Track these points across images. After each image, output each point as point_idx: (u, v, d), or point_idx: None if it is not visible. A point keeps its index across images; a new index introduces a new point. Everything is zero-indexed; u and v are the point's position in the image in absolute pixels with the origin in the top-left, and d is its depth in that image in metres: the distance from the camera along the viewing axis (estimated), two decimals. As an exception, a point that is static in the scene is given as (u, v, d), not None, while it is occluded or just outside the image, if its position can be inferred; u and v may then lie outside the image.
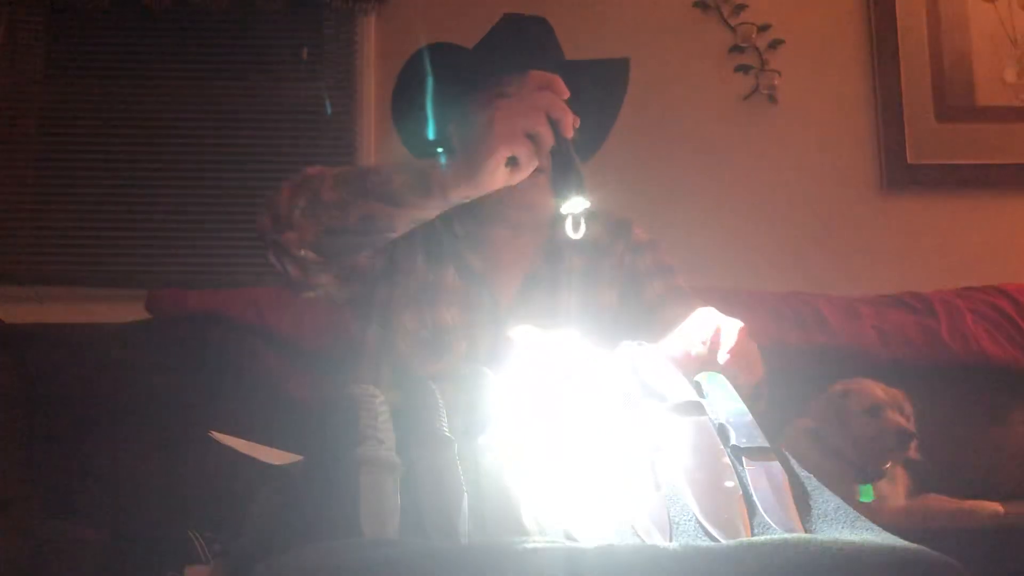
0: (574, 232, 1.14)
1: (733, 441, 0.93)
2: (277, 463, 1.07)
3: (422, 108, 1.52)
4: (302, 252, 1.27)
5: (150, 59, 2.44)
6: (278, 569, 0.70)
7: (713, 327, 1.14)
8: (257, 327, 1.95)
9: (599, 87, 1.51)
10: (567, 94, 1.16)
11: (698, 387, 1.04)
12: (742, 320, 2.07)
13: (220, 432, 1.18)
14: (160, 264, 2.36)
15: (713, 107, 2.48)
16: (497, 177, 1.15)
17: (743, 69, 2.49)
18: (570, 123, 1.13)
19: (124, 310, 2.08)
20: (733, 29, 2.50)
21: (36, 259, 2.36)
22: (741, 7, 2.49)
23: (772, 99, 2.48)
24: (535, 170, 1.28)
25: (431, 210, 1.23)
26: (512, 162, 1.14)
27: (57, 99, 2.43)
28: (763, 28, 2.49)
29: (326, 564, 0.69)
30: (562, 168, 1.12)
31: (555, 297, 1.46)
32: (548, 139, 1.12)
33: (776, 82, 2.47)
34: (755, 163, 2.47)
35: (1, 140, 2.39)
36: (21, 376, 1.91)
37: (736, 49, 2.49)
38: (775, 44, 2.48)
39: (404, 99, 1.53)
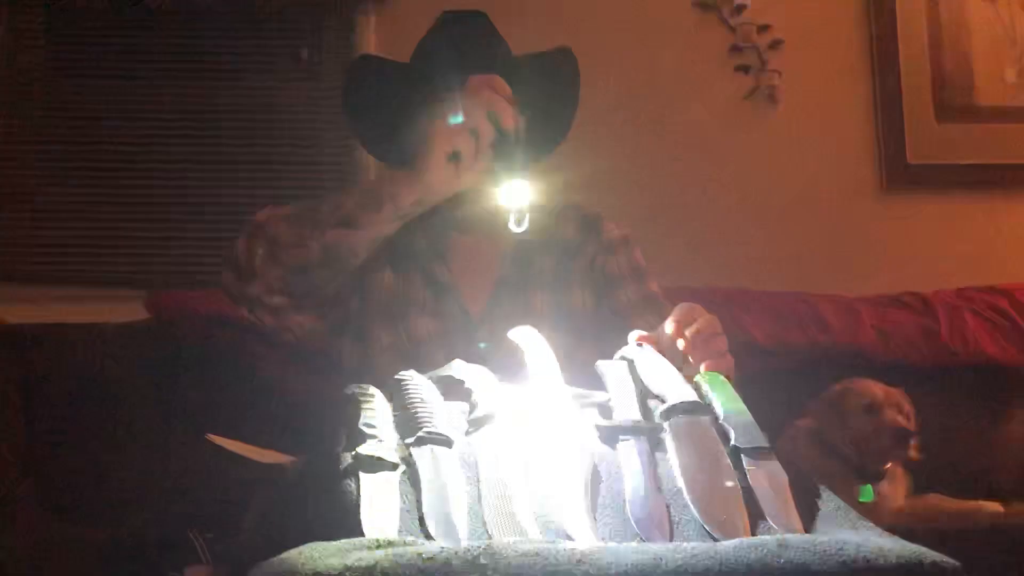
0: (516, 226, 1.18)
1: (733, 441, 0.93)
2: (277, 463, 1.08)
3: (375, 122, 1.50)
4: (274, 299, 1.27)
5: (150, 59, 2.44)
6: (277, 569, 0.70)
7: (697, 318, 1.15)
8: (257, 327, 1.95)
9: (547, 78, 1.49)
10: (507, 91, 1.20)
11: (698, 387, 1.04)
12: (742, 321, 2.09)
13: (220, 432, 1.18)
14: (160, 264, 2.36)
15: (713, 107, 2.48)
16: (442, 176, 1.17)
17: (743, 69, 2.49)
18: (510, 116, 1.16)
19: (124, 310, 2.08)
20: (733, 29, 2.50)
21: (36, 259, 2.36)
22: (741, 7, 2.49)
23: (772, 99, 2.48)
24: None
25: (387, 224, 1.24)
26: (455, 158, 1.16)
27: (57, 99, 2.42)
28: (763, 28, 2.49)
29: (325, 564, 0.69)
30: (505, 161, 1.16)
31: (527, 301, 1.44)
32: (488, 132, 1.15)
33: (776, 82, 2.47)
34: (755, 163, 2.47)
35: (1, 139, 2.39)
36: (21, 376, 1.91)
37: (736, 49, 2.49)
38: (775, 44, 2.48)
39: (353, 118, 1.52)
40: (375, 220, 1.22)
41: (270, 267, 1.24)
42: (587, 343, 1.45)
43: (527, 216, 1.19)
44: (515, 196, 1.18)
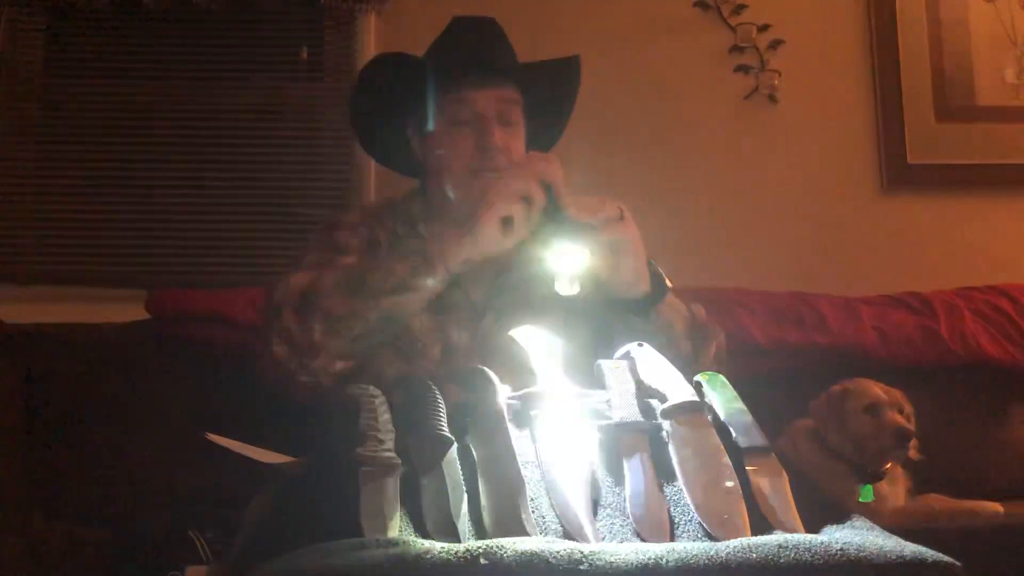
0: (568, 289, 1.22)
1: (733, 441, 0.93)
2: (277, 464, 1.08)
3: (379, 117, 1.54)
4: (336, 366, 1.29)
5: (150, 59, 2.43)
6: (278, 569, 0.70)
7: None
8: (257, 327, 1.95)
9: (551, 86, 1.53)
10: (560, 170, 1.26)
11: (698, 387, 1.04)
12: (742, 321, 2.08)
13: (220, 433, 1.18)
14: (160, 264, 2.36)
15: (713, 107, 2.48)
16: (492, 238, 1.24)
17: (743, 69, 2.49)
18: (562, 188, 1.24)
19: (124, 310, 2.08)
20: (733, 29, 2.49)
21: (36, 259, 2.36)
22: (741, 7, 2.49)
23: (772, 99, 2.48)
24: (484, 171, 1.39)
25: (438, 284, 1.28)
26: (508, 223, 1.24)
27: (57, 99, 2.42)
28: (763, 28, 2.49)
29: (326, 564, 0.69)
30: (555, 229, 1.23)
31: (529, 292, 1.47)
32: (540, 200, 1.23)
33: (776, 82, 2.47)
34: (755, 163, 2.47)
35: (1, 140, 2.39)
36: (21, 376, 1.91)
37: (736, 49, 2.49)
38: (775, 44, 2.48)
39: (360, 111, 1.55)
40: (426, 283, 1.27)
41: (330, 340, 1.27)
42: (587, 328, 1.47)
43: (576, 281, 1.23)
44: (565, 261, 1.22)
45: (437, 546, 0.71)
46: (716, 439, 0.93)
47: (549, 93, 1.53)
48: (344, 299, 1.27)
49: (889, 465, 1.75)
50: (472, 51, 1.47)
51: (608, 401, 1.02)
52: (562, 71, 1.54)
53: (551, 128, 1.61)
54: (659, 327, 1.35)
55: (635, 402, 1.00)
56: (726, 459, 0.90)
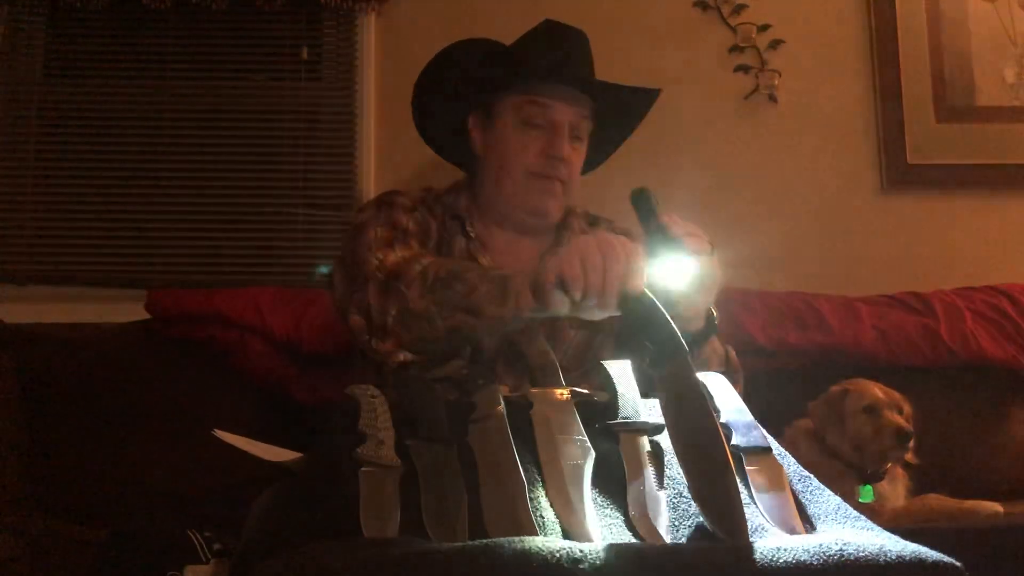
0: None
1: (733, 441, 0.93)
2: (277, 462, 1.07)
3: (443, 101, 1.54)
4: (401, 355, 1.29)
5: (150, 59, 2.44)
6: (278, 569, 0.70)
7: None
8: (257, 327, 1.95)
9: (622, 112, 1.54)
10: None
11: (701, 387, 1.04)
12: (742, 321, 2.08)
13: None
14: (160, 264, 2.36)
15: (713, 107, 2.48)
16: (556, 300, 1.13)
17: (743, 69, 2.48)
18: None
19: (124, 310, 2.08)
20: (733, 29, 2.49)
21: (36, 259, 2.36)
22: (741, 7, 2.49)
23: (772, 99, 2.48)
24: (544, 176, 1.40)
25: (507, 321, 1.22)
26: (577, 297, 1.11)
27: (57, 99, 2.42)
28: (763, 28, 2.49)
29: (326, 564, 0.69)
30: (651, 240, 1.21)
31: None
32: (612, 302, 1.09)
33: (776, 82, 2.47)
34: (755, 163, 2.47)
35: (1, 140, 2.39)
36: (21, 376, 1.91)
37: (736, 49, 2.49)
38: (775, 44, 2.48)
39: (429, 88, 1.56)
40: (497, 314, 1.21)
41: (401, 330, 1.27)
42: (614, 344, 1.47)
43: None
44: (657, 268, 1.16)
45: (436, 546, 0.71)
46: (716, 439, 0.93)
47: (616, 118, 1.54)
48: (423, 296, 1.25)
49: (889, 465, 1.76)
50: (563, 60, 1.48)
51: (610, 400, 1.02)
52: (641, 100, 1.55)
53: (599, 152, 1.62)
54: (697, 364, 1.32)
55: (638, 401, 1.00)
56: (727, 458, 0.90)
